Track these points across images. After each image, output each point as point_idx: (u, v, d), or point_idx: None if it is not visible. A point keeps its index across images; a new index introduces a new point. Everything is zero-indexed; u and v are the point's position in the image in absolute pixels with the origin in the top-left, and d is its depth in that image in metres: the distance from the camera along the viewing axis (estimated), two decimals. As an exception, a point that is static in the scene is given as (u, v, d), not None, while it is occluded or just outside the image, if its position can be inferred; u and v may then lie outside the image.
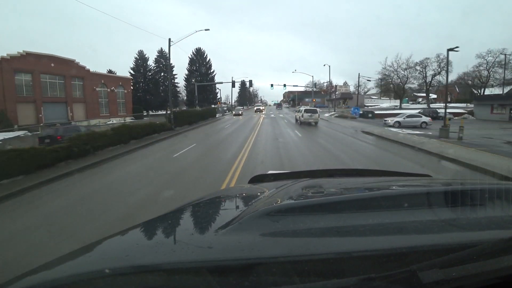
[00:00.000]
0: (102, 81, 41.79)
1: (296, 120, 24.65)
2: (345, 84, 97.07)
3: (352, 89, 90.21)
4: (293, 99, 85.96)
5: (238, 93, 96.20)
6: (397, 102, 67.77)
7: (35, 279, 0.62)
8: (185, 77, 59.86)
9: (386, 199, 0.84)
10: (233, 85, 36.50)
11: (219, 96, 64.51)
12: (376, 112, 30.27)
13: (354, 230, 0.69)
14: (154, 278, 0.58)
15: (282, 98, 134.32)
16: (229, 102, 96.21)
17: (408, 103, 66.70)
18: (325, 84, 67.62)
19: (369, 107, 58.77)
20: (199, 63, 61.39)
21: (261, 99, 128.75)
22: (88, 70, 38.53)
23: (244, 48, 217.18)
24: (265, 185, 1.39)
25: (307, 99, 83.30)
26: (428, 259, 0.52)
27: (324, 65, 35.94)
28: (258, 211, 0.79)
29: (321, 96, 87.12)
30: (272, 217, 0.74)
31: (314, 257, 0.59)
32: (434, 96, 67.12)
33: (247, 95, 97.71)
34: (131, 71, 62.84)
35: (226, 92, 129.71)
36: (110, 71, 66.25)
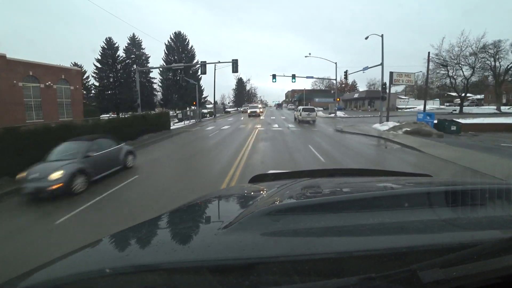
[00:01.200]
0: (31, 73, 28.39)
1: (295, 118, 24.86)
2: (354, 83, 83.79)
3: (363, 87, 77.08)
4: (299, 98, 72.19)
5: (234, 91, 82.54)
6: (435, 104, 54.25)
7: (35, 278, 0.63)
8: (160, 71, 46.37)
9: (386, 198, 0.84)
10: (204, 71, 22.51)
11: (205, 95, 51.34)
12: (458, 121, 17.05)
13: (355, 230, 0.69)
14: (155, 278, 0.57)
15: (284, 98, 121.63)
16: (226, 102, 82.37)
17: (444, 104, 53.29)
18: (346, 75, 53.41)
19: (405, 110, 44.79)
20: (179, 52, 47.64)
21: (261, 99, 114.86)
22: (4, 57, 25.08)
23: (244, 48, 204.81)
24: (265, 184, 1.37)
25: (317, 99, 69.28)
26: (428, 258, 0.51)
27: (367, 38, 19.67)
28: (258, 210, 0.79)
29: (332, 96, 73.74)
30: (272, 216, 0.74)
31: (314, 256, 0.59)
32: (476, 96, 53.63)
33: (245, 94, 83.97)
34: (97, 64, 49.66)
35: (222, 91, 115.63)
36: (75, 64, 53.58)
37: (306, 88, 71.43)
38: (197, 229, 0.83)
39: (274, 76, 27.96)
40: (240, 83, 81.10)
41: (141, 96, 51.26)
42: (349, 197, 0.91)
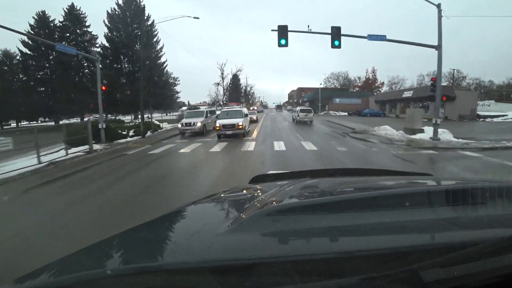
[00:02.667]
0: None
1: (293, 119, 25.73)
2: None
3: (384, 88, 60.67)
4: (311, 98, 55.15)
5: (228, 89, 66.57)
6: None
7: (36, 281, 0.63)
8: (101, 53, 29.51)
9: (387, 198, 0.84)
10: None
11: (179, 92, 35.25)
12: None
13: (355, 230, 0.69)
14: (156, 279, 0.58)
15: (286, 99, 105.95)
16: (219, 102, 65.68)
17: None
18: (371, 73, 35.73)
19: (494, 119, 26.56)
20: (128, 25, 30.48)
21: (261, 100, 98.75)
22: None
23: (243, 48, 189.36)
24: (266, 185, 1.37)
25: (337, 99, 50.24)
26: (429, 258, 0.51)
27: None
28: (259, 211, 0.80)
29: (354, 95, 57.24)
30: (273, 217, 0.74)
31: (315, 256, 0.59)
32: None
33: (240, 93, 67.99)
34: (23, 48, 33.46)
35: (217, 90, 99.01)
36: (6, 52, 37.94)
37: (304, 89, 55.37)
38: (198, 230, 0.81)
39: (283, 31, 9.88)
40: (235, 79, 65.34)
41: (82, 95, 34.20)
42: (350, 197, 0.92)
